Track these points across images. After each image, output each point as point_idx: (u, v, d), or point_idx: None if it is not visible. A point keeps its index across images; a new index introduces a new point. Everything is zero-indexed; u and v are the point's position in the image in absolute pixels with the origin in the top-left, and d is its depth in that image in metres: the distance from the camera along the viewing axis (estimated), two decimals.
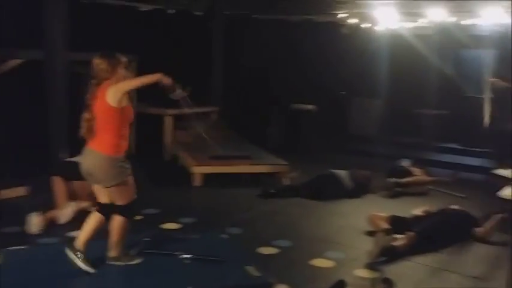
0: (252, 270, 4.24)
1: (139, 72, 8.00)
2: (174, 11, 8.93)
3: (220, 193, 6.53)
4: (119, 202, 4.12)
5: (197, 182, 6.85)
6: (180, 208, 5.98)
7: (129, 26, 8.95)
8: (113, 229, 4.19)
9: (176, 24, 9.09)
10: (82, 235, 4.13)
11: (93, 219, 4.17)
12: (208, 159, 7.21)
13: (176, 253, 4.46)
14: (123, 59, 4.12)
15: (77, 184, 5.44)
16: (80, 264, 4.06)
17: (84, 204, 5.38)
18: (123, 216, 4.15)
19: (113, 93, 3.95)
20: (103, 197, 4.17)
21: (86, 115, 4.03)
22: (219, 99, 9.45)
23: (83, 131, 4.06)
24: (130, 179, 4.16)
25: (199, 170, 6.88)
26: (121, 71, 4.08)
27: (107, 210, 4.16)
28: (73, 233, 4.64)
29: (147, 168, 7.48)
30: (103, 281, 4.06)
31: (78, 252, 4.07)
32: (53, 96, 6.58)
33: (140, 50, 8.28)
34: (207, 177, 6.90)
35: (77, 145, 4.30)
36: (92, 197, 4.59)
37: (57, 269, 4.12)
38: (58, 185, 5.47)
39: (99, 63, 4.01)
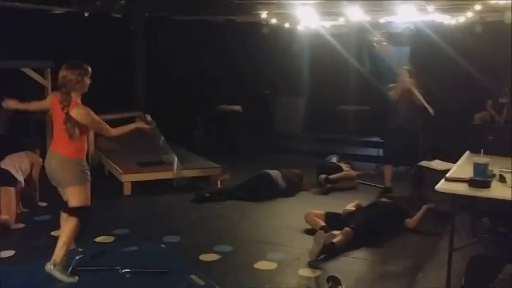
0: (196, 279, 4.16)
1: (56, 78, 7.74)
2: (89, 13, 8.57)
3: (152, 201, 6.35)
4: (74, 204, 4.16)
5: (127, 191, 6.62)
6: (111, 219, 5.74)
7: (42, 30, 8.52)
8: (63, 232, 4.21)
9: (93, 27, 8.74)
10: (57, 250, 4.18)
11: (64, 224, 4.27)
12: (137, 167, 6.99)
13: (115, 267, 4.28)
14: (89, 68, 4.26)
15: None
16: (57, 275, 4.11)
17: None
18: (77, 217, 4.16)
19: (80, 116, 4.09)
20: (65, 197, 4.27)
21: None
22: (143, 103, 9.19)
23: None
24: (88, 184, 4.24)
25: (128, 179, 6.66)
26: (87, 80, 4.23)
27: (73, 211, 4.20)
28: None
29: None
30: None
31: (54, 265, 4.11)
32: None
33: (55, 55, 7.90)
34: (136, 184, 6.69)
35: None
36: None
37: None
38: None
39: (66, 74, 4.13)
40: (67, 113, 4.07)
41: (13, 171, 5.62)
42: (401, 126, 6.59)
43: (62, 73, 4.16)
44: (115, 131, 4.42)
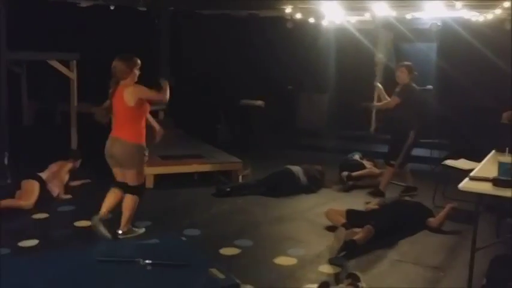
0: (216, 273, 4.15)
1: (81, 70, 7.84)
2: (115, 7, 8.65)
3: (173, 194, 6.39)
4: (132, 183, 4.77)
5: (149, 183, 6.67)
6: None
7: (69, 23, 8.64)
8: (125, 207, 4.83)
9: (119, 21, 8.82)
10: (104, 207, 4.84)
11: (112, 194, 4.88)
12: (160, 160, 7.04)
13: (136, 259, 4.31)
14: (138, 60, 4.82)
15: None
16: (101, 229, 4.75)
17: None
18: (135, 194, 4.79)
19: (129, 95, 4.64)
20: (120, 176, 4.86)
21: (107, 104, 4.81)
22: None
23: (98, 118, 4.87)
24: (144, 166, 4.85)
25: (151, 171, 6.70)
26: (136, 72, 4.77)
27: (123, 186, 4.83)
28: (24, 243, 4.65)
29: (96, 169, 7.22)
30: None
31: (101, 219, 4.79)
32: None
33: (82, 48, 8.00)
34: (158, 178, 6.74)
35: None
36: None
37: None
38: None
39: (116, 65, 4.73)
40: (119, 98, 4.65)
41: (53, 189, 6.02)
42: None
43: (114, 63, 4.73)
44: (163, 94, 4.92)
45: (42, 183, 5.92)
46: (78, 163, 6.53)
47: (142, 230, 5.06)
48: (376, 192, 6.49)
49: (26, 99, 9.01)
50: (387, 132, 6.56)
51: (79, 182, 6.64)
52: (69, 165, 6.31)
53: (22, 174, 5.97)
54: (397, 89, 6.47)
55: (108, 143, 4.82)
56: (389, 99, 6.55)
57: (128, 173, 4.79)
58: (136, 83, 4.81)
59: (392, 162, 6.48)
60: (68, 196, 6.17)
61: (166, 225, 5.45)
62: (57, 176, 6.11)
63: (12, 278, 3.95)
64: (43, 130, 8.54)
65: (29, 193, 5.73)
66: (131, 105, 4.66)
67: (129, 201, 4.84)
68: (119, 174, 4.89)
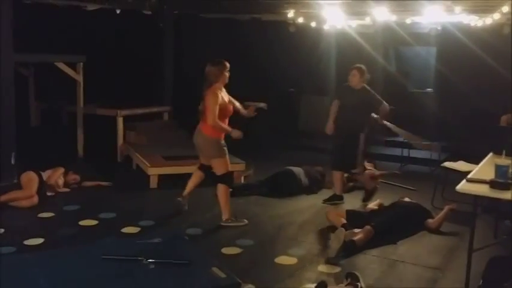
0: (217, 272, 4.24)
1: (88, 73, 7.96)
2: (121, 10, 8.76)
3: (177, 194, 6.43)
4: (218, 172, 5.42)
5: (153, 183, 6.78)
6: (137, 211, 5.91)
7: (75, 26, 8.75)
8: (219, 196, 5.46)
9: (124, 24, 8.93)
10: (188, 187, 5.80)
11: (196, 175, 5.75)
12: (163, 160, 7.14)
13: (139, 258, 4.40)
14: (227, 64, 5.47)
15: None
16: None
17: None
18: (223, 183, 5.41)
19: (206, 99, 5.32)
20: (204, 160, 5.64)
21: (200, 107, 5.44)
22: (170, 99, 9.36)
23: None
24: (226, 157, 5.45)
25: (154, 172, 6.81)
26: (226, 74, 5.44)
27: (206, 168, 5.63)
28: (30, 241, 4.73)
29: (100, 170, 7.35)
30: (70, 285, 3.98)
31: (180, 198, 5.79)
32: (0, 98, 6.37)
33: (88, 50, 8.12)
34: (162, 178, 6.84)
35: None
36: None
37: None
38: None
39: (209, 69, 5.39)
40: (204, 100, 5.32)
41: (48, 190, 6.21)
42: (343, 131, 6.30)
43: (207, 69, 5.37)
44: (213, 122, 5.29)
45: (41, 179, 6.06)
46: (75, 177, 6.65)
47: (245, 222, 5.50)
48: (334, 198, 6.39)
49: (33, 101, 9.12)
50: (336, 137, 6.35)
51: (92, 183, 6.75)
52: (61, 170, 6.44)
53: None
54: (358, 94, 6.25)
55: (195, 133, 5.55)
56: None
57: (212, 163, 5.49)
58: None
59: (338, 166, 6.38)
60: (66, 189, 6.44)
61: (169, 224, 5.54)
62: (51, 179, 6.25)
63: (18, 276, 4.05)
64: (50, 131, 8.65)
65: (30, 184, 5.90)
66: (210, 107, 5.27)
67: (220, 191, 5.45)
68: (203, 159, 5.69)
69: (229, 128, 5.42)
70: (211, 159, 5.51)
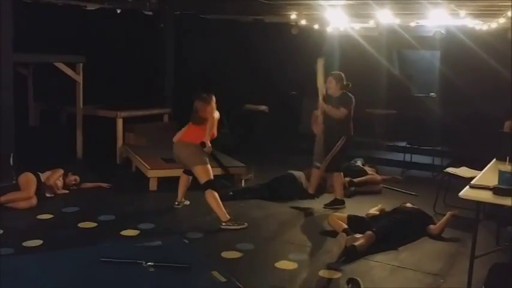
0: (218, 276, 4.20)
1: (87, 73, 7.92)
2: (121, 10, 8.74)
3: (176, 197, 6.41)
4: (201, 180, 5.57)
5: (152, 186, 6.73)
6: (137, 213, 5.88)
7: (75, 25, 8.71)
8: (209, 202, 5.54)
9: (124, 24, 8.89)
10: (180, 192, 6.06)
11: (182, 179, 6.02)
12: (163, 163, 7.09)
13: (139, 261, 4.36)
14: (213, 97, 5.84)
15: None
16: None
17: None
18: (209, 188, 5.50)
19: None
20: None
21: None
22: (170, 101, 9.31)
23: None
24: (207, 164, 5.62)
25: (154, 174, 6.76)
26: (213, 105, 5.80)
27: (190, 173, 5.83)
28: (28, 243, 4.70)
29: (99, 172, 7.30)
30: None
31: (177, 202, 6.05)
32: None
33: (88, 50, 8.08)
34: (162, 180, 6.79)
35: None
36: None
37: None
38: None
39: (197, 104, 5.77)
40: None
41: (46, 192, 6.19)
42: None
43: (195, 104, 5.78)
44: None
45: (39, 180, 6.02)
46: (76, 177, 6.61)
47: (245, 225, 5.49)
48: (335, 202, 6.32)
49: (32, 101, 9.08)
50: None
51: (92, 184, 6.71)
52: (60, 172, 6.39)
53: None
54: (336, 101, 6.19)
55: (173, 146, 5.83)
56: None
57: (194, 171, 5.66)
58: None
59: (318, 164, 6.32)
60: (65, 191, 6.40)
61: (169, 227, 5.49)
62: (50, 180, 6.21)
63: (16, 278, 4.02)
64: (48, 131, 8.60)
65: (28, 185, 5.87)
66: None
67: (208, 197, 5.55)
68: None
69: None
70: (193, 168, 5.65)
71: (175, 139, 5.81)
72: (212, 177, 5.64)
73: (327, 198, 6.58)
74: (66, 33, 8.60)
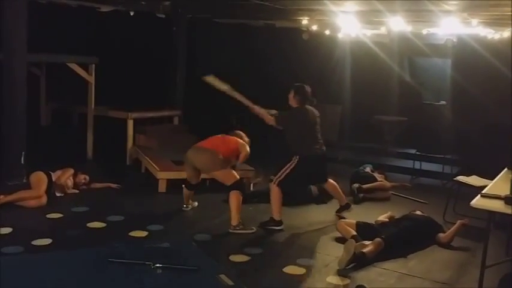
0: (225, 279, 4.21)
1: (99, 74, 7.97)
2: (134, 12, 8.78)
3: None
4: (228, 183, 5.55)
5: (162, 188, 6.75)
6: (146, 215, 5.89)
7: (89, 27, 8.77)
8: (231, 202, 5.51)
9: (137, 26, 8.94)
10: (185, 198, 6.08)
11: (185, 192, 6.04)
12: (173, 165, 7.11)
13: (147, 262, 4.37)
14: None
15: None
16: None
17: None
18: (235, 190, 5.49)
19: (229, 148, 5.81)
20: (193, 179, 5.92)
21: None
22: (181, 103, 9.34)
23: None
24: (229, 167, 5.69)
25: (164, 176, 6.78)
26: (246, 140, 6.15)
27: (193, 187, 5.99)
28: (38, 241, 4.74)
29: (109, 172, 7.33)
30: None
31: (185, 205, 6.09)
32: (11, 97, 6.38)
33: (100, 51, 8.13)
34: (171, 182, 6.81)
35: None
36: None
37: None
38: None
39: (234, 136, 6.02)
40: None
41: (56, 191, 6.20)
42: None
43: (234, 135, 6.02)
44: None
45: (50, 179, 6.05)
46: (85, 177, 6.63)
47: (253, 230, 5.51)
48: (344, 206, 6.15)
49: (44, 100, 9.15)
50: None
51: (102, 184, 6.74)
52: (70, 171, 6.42)
53: None
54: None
55: (191, 153, 5.84)
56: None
57: (218, 177, 5.71)
58: None
59: (272, 177, 6.03)
60: (75, 191, 6.43)
61: (178, 229, 5.51)
62: (60, 179, 6.24)
63: (25, 276, 4.04)
64: (60, 131, 8.66)
65: (38, 184, 5.90)
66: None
67: (232, 197, 5.52)
68: (191, 176, 5.97)
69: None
70: (215, 174, 5.67)
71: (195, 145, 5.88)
72: (238, 177, 5.63)
73: (335, 204, 6.55)
74: (79, 34, 8.68)
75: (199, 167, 5.78)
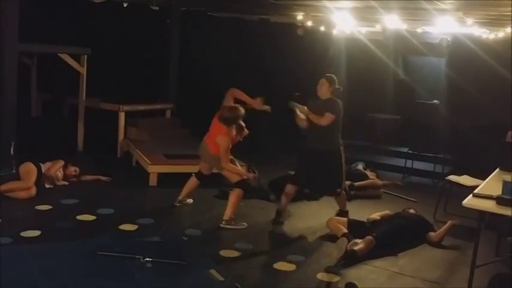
0: (215, 274, 4.18)
1: (91, 65, 7.89)
2: (128, 4, 8.69)
3: (176, 193, 6.37)
4: (233, 180, 5.57)
5: (153, 181, 6.71)
6: (136, 208, 5.86)
7: (81, 17, 8.68)
8: (231, 197, 5.53)
9: (131, 18, 8.86)
10: (183, 192, 5.97)
11: (191, 181, 5.94)
12: (164, 158, 7.07)
13: (137, 256, 4.33)
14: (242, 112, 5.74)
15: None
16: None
17: None
18: (239, 187, 5.51)
19: (222, 142, 5.54)
20: (204, 169, 5.86)
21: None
22: (174, 96, 9.28)
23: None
24: (236, 164, 5.79)
25: (155, 169, 6.74)
26: (241, 122, 5.90)
27: (203, 177, 5.91)
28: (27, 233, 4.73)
29: (99, 165, 7.27)
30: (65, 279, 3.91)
31: (178, 201, 5.97)
32: (1, 87, 6.30)
33: (93, 42, 8.05)
34: (162, 176, 6.77)
35: None
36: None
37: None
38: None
39: (225, 115, 5.66)
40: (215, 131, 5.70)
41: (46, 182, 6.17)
42: (315, 147, 5.73)
43: (224, 113, 5.64)
44: (226, 166, 5.60)
45: (40, 170, 6.00)
46: (76, 169, 6.59)
47: (244, 226, 5.50)
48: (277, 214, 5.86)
49: (35, 91, 9.05)
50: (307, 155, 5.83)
51: (92, 177, 6.69)
52: (60, 163, 6.38)
53: None
54: (321, 104, 5.69)
55: (201, 146, 5.80)
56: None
57: (223, 173, 5.70)
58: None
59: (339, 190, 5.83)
60: (64, 182, 6.40)
61: (169, 223, 5.48)
62: (50, 171, 6.20)
63: (13, 267, 4.00)
64: (50, 122, 8.58)
65: (28, 175, 5.87)
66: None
67: (233, 193, 5.54)
68: (204, 167, 5.90)
69: (241, 171, 5.78)
70: (221, 171, 5.68)
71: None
72: (245, 176, 5.69)
73: (326, 200, 6.55)
74: (72, 25, 8.57)
75: (206, 162, 5.82)
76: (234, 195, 5.53)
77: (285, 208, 5.88)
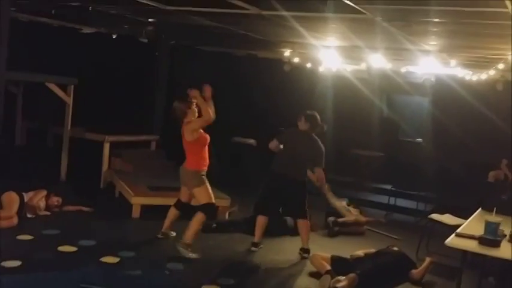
0: None
1: (77, 95, 7.90)
2: (117, 35, 8.78)
3: (159, 225, 6.32)
4: (201, 201, 5.50)
5: (135, 213, 6.66)
6: (118, 240, 5.77)
7: (70, 47, 8.73)
8: (192, 222, 5.44)
9: (119, 50, 8.93)
10: (165, 224, 5.92)
11: (171, 212, 5.88)
12: (148, 190, 7.03)
13: None
14: (192, 98, 5.59)
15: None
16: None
17: None
18: (203, 212, 5.43)
19: (186, 133, 5.48)
20: (183, 197, 5.81)
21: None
22: (160, 128, 9.28)
23: None
24: (207, 185, 5.55)
25: (138, 201, 6.69)
26: (194, 109, 5.59)
27: (182, 205, 5.82)
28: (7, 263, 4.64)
29: (82, 195, 7.21)
30: None
31: (161, 233, 5.90)
32: None
33: (80, 72, 8.08)
34: (145, 208, 6.72)
35: None
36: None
37: None
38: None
39: (175, 106, 5.61)
40: (183, 136, 5.56)
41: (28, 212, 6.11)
42: (284, 172, 5.98)
43: (173, 105, 5.64)
44: (205, 114, 5.53)
45: (22, 200, 5.95)
46: (58, 199, 6.53)
47: (195, 256, 5.37)
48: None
49: (20, 119, 9.01)
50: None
51: (74, 207, 6.62)
52: (43, 193, 6.33)
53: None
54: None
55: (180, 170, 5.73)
56: None
57: (194, 193, 5.58)
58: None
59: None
60: (46, 213, 6.32)
61: (150, 256, 5.40)
62: (32, 200, 6.14)
63: None
64: (35, 151, 8.52)
65: (10, 204, 5.81)
66: (189, 140, 5.50)
67: (196, 217, 5.46)
68: (184, 194, 5.80)
69: (209, 106, 5.68)
70: (193, 190, 5.58)
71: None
72: (213, 200, 5.55)
73: (310, 236, 6.52)
74: (60, 54, 8.61)
75: (185, 184, 5.73)
76: (196, 220, 5.46)
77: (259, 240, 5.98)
